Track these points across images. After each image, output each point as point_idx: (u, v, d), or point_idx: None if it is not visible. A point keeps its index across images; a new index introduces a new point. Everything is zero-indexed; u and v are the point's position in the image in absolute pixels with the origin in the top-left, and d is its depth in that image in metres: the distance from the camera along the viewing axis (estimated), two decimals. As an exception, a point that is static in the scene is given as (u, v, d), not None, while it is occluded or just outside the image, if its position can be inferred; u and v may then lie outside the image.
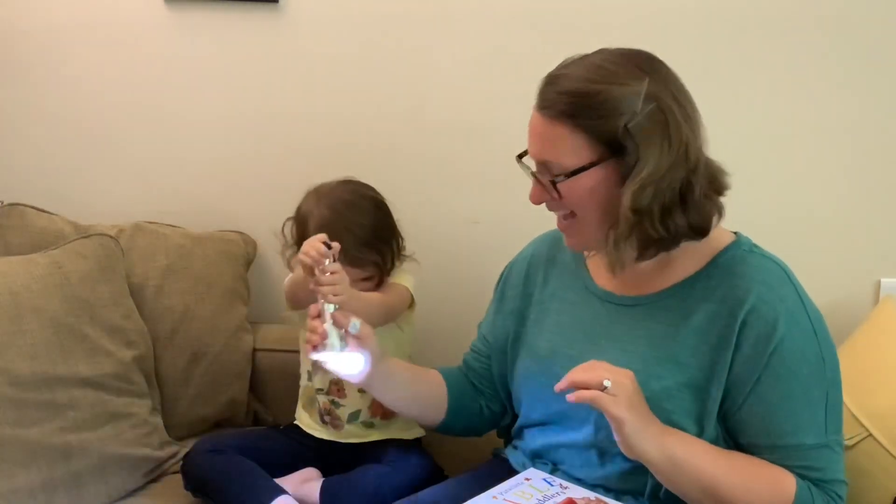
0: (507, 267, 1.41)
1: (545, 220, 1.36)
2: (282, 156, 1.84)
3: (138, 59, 1.86)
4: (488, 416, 1.41)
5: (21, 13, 1.88)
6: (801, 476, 1.09)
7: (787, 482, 1.08)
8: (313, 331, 1.21)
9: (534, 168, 1.16)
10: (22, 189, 1.82)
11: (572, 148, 1.09)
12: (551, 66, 1.65)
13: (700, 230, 1.12)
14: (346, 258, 1.38)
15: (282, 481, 1.46)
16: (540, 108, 1.12)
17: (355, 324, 1.22)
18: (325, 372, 1.31)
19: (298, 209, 1.52)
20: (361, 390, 1.51)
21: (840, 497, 1.10)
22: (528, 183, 1.15)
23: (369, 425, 1.54)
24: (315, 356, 1.21)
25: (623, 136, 1.07)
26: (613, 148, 1.08)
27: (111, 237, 1.67)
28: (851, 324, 1.54)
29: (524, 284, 1.35)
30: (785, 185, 1.59)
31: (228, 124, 1.86)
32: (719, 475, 1.08)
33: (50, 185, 1.91)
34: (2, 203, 1.73)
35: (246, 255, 1.86)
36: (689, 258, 1.17)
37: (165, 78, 1.86)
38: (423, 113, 1.76)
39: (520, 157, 1.18)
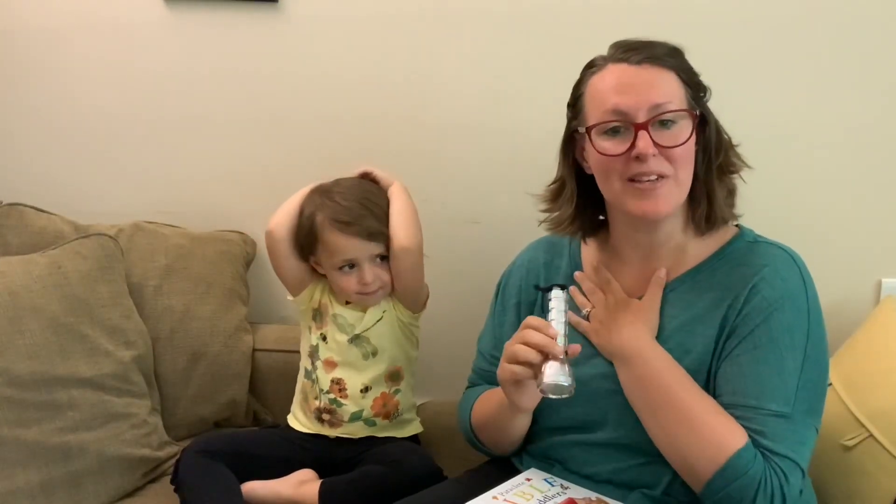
0: (502, 278, 1.40)
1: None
2: (281, 156, 1.83)
3: (138, 59, 1.86)
4: None
5: (21, 13, 1.88)
6: (753, 441, 1.06)
7: (738, 436, 1.06)
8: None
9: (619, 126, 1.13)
10: (21, 189, 1.81)
11: (678, 93, 1.13)
12: (551, 66, 1.67)
13: (731, 204, 1.21)
14: (365, 232, 1.45)
15: (278, 483, 1.46)
16: (639, 62, 1.13)
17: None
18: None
19: (302, 211, 1.50)
20: (363, 390, 1.51)
21: (784, 473, 1.05)
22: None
23: (371, 424, 1.54)
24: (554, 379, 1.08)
25: (703, 92, 1.17)
26: (698, 103, 1.15)
27: (110, 237, 1.67)
28: (852, 323, 1.54)
29: (526, 289, 1.34)
30: (785, 185, 1.58)
31: (228, 124, 1.85)
32: (684, 399, 1.08)
33: (49, 185, 1.91)
34: (1, 203, 1.73)
35: (245, 255, 1.85)
36: (693, 252, 1.21)
37: (165, 78, 1.85)
38: (423, 113, 1.76)
39: (590, 128, 1.15)
